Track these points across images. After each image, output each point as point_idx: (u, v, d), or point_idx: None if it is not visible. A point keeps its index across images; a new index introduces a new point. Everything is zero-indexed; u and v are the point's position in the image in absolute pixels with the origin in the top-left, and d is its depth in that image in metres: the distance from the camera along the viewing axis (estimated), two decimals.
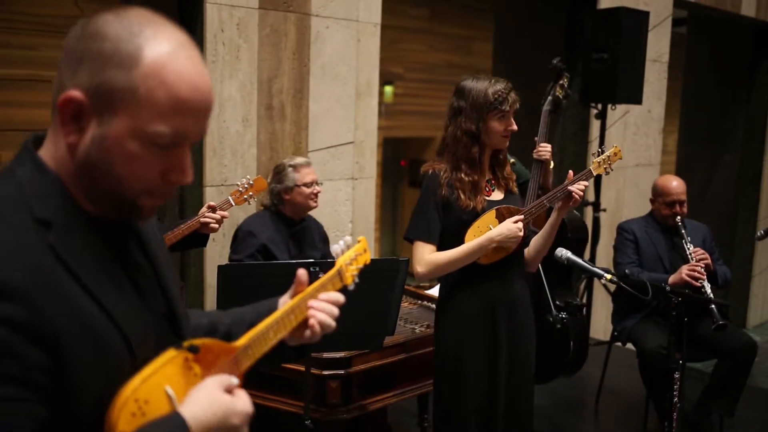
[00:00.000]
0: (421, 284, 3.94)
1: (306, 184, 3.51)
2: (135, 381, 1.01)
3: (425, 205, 2.63)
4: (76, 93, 1.00)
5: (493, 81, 2.60)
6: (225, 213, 2.98)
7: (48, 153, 1.06)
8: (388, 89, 8.67)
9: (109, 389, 0.99)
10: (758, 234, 3.87)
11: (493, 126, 2.59)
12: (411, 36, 8.49)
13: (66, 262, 0.99)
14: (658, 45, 6.14)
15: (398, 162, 10.02)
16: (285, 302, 1.33)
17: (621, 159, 2.95)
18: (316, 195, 3.55)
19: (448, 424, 2.65)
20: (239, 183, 3.14)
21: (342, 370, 2.87)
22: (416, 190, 10.15)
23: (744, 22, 7.37)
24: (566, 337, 3.80)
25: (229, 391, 1.10)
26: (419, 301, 3.75)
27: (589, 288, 5.35)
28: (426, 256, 2.59)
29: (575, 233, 4.00)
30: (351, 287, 1.43)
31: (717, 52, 7.92)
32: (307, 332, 1.32)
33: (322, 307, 1.32)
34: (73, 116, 1.01)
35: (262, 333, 1.23)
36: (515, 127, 2.62)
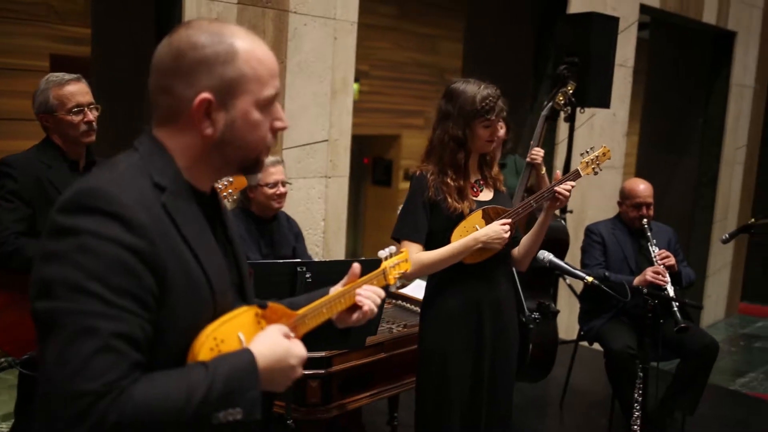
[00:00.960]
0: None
1: (268, 184, 3.50)
2: (216, 323, 1.24)
3: (413, 204, 2.66)
4: (205, 95, 1.25)
5: (482, 87, 2.62)
6: None
7: (166, 140, 1.30)
8: (354, 86, 8.66)
9: (195, 325, 1.22)
10: (724, 237, 3.97)
11: (478, 132, 2.62)
12: (379, 33, 8.49)
13: (174, 218, 1.22)
14: (624, 50, 6.25)
15: (361, 160, 10.01)
16: (335, 289, 1.61)
17: (610, 159, 2.98)
18: (279, 196, 3.54)
19: (432, 423, 2.68)
20: (219, 181, 3.11)
21: (322, 369, 2.87)
22: (379, 188, 10.17)
23: (705, 29, 7.55)
24: (526, 340, 3.83)
25: (287, 337, 1.31)
26: (394, 300, 3.77)
27: (554, 288, 5.43)
28: (413, 255, 2.61)
29: (553, 243, 4.03)
30: (392, 288, 1.81)
31: (678, 57, 8.10)
32: (355, 315, 1.62)
33: (369, 294, 1.62)
34: (206, 113, 1.26)
35: (317, 307, 1.50)
36: (501, 133, 2.65)
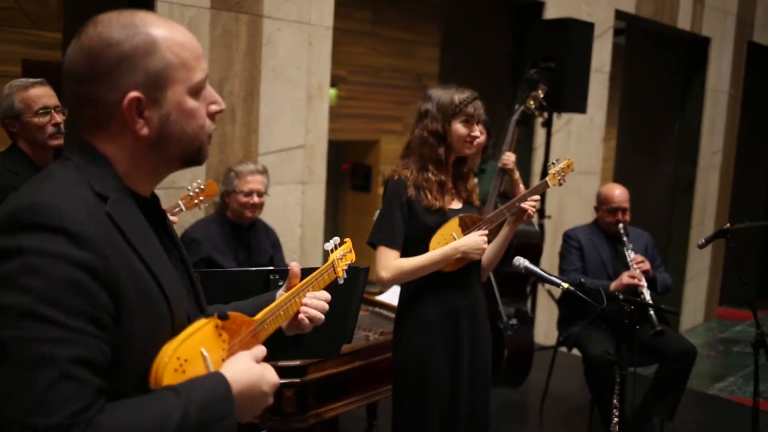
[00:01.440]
0: (371, 290, 3.93)
1: (243, 192, 3.48)
2: (176, 341, 1.15)
3: (390, 210, 2.63)
4: (133, 93, 1.16)
5: (460, 89, 2.67)
6: (174, 219, 2.89)
7: (98, 146, 1.21)
8: (332, 92, 8.63)
9: (154, 343, 1.13)
10: (700, 242, 3.98)
11: (457, 128, 2.62)
12: (355, 39, 8.47)
13: (121, 228, 1.13)
14: (601, 55, 6.27)
15: (340, 165, 9.97)
16: (281, 295, 1.52)
17: (573, 171, 3.00)
18: (252, 206, 3.50)
19: (410, 428, 2.65)
20: (190, 187, 3.05)
21: (297, 378, 2.83)
22: (358, 194, 10.14)
23: (680, 35, 7.61)
24: (501, 346, 3.82)
25: (257, 362, 1.25)
26: (371, 308, 3.73)
27: (533, 294, 5.43)
28: (391, 261, 2.59)
29: (522, 247, 4.02)
30: (341, 281, 1.65)
31: (654, 63, 8.15)
32: (300, 324, 1.52)
33: (313, 303, 1.53)
34: (137, 113, 1.17)
35: (275, 310, 1.43)
36: (478, 133, 2.64)
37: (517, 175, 3.91)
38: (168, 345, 1.14)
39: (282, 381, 2.80)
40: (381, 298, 3.78)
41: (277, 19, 4.05)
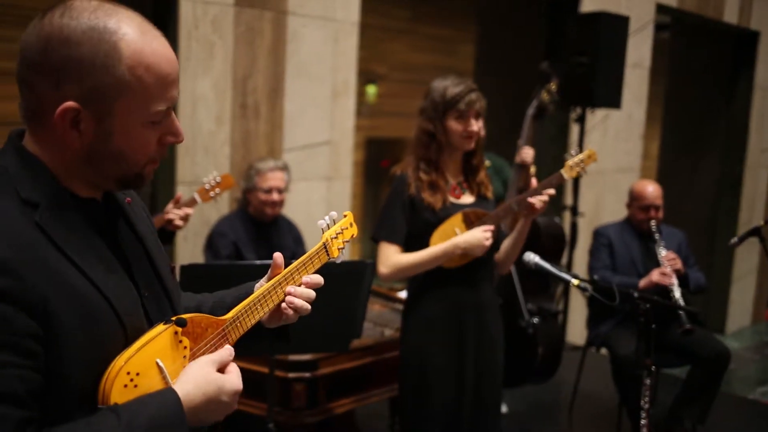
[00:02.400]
0: (393, 287, 3.92)
1: (263, 190, 3.48)
2: (126, 353, 1.05)
3: (391, 206, 2.62)
4: (70, 104, 1.04)
5: (456, 81, 2.59)
6: (189, 210, 2.91)
7: (32, 145, 1.10)
8: (371, 89, 8.63)
9: (101, 360, 1.04)
10: (733, 241, 3.86)
11: (451, 125, 2.57)
12: (394, 36, 8.46)
13: (53, 238, 1.03)
14: (640, 50, 6.14)
15: (379, 163, 9.98)
16: (261, 285, 1.36)
17: (596, 161, 2.90)
18: (273, 203, 3.50)
19: (413, 428, 2.63)
20: (205, 180, 3.08)
21: (308, 372, 2.84)
22: None
23: (726, 29, 7.39)
24: (535, 343, 3.77)
25: (222, 368, 1.16)
26: (390, 304, 3.72)
27: (567, 293, 5.34)
28: (390, 257, 2.57)
29: (549, 241, 3.97)
30: (338, 261, 1.46)
31: (699, 58, 7.94)
32: (284, 316, 1.36)
33: (298, 292, 1.35)
34: (72, 124, 1.05)
35: (249, 306, 1.29)
36: (475, 128, 2.59)
37: (532, 170, 3.84)
38: (118, 358, 1.05)
39: (291, 375, 2.82)
40: (401, 294, 3.76)
41: (301, 16, 4.06)
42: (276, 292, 1.34)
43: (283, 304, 1.34)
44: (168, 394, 1.06)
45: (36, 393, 0.99)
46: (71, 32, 1.04)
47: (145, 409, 1.03)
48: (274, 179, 3.51)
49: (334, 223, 1.46)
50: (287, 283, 1.35)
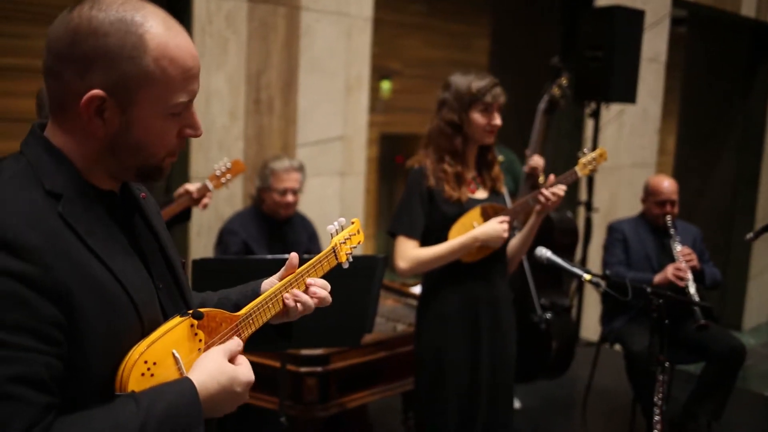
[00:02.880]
0: (406, 282, 3.92)
1: (277, 191, 3.47)
2: (144, 343, 1.09)
3: (409, 199, 2.62)
4: (97, 92, 1.07)
5: (479, 76, 2.61)
6: (206, 200, 2.93)
7: (55, 137, 1.13)
8: (386, 85, 8.63)
9: (119, 349, 1.07)
10: (749, 236, 3.82)
11: (475, 118, 2.58)
12: (409, 31, 8.45)
13: (75, 229, 1.05)
14: (656, 44, 6.09)
15: (394, 158, 9.98)
16: (271, 282, 1.40)
17: (606, 160, 2.91)
18: (287, 205, 3.49)
19: (428, 421, 2.63)
20: (216, 166, 3.07)
21: (320, 367, 2.85)
22: None
23: (744, 23, 7.32)
24: (549, 338, 3.77)
25: (232, 359, 1.19)
26: (403, 299, 3.72)
27: (581, 289, 5.32)
28: (409, 251, 2.58)
29: (562, 236, 3.96)
30: (345, 266, 1.50)
31: (716, 52, 7.86)
32: (288, 312, 1.38)
33: (314, 291, 1.39)
34: (97, 112, 1.08)
35: (263, 303, 1.33)
36: (499, 122, 2.60)
37: (541, 180, 3.82)
38: (135, 348, 1.08)
39: (303, 369, 2.83)
40: (415, 290, 3.76)
41: (315, 11, 4.07)
42: (289, 291, 1.37)
43: (289, 301, 1.36)
44: (185, 383, 1.10)
45: (58, 380, 1.01)
46: (99, 24, 1.07)
47: (162, 397, 1.06)
48: (289, 180, 3.48)
49: (342, 229, 1.50)
50: (299, 283, 1.39)
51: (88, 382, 1.05)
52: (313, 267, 1.42)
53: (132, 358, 1.07)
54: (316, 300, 1.39)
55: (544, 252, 2.55)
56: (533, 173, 3.70)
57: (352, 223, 1.56)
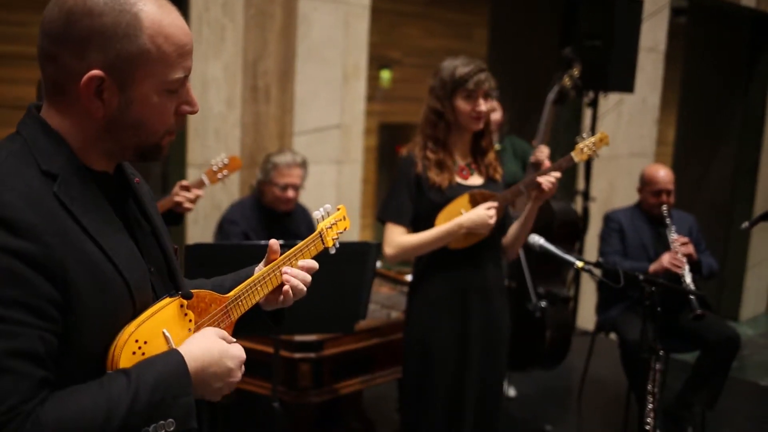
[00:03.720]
0: (401, 270, 3.93)
1: (279, 186, 3.46)
2: (135, 322, 1.11)
3: (398, 186, 2.62)
4: (96, 72, 1.08)
5: (465, 61, 2.58)
6: (200, 192, 2.93)
7: (51, 120, 1.14)
8: (386, 74, 8.61)
9: (111, 329, 1.09)
10: (744, 225, 3.82)
11: (459, 105, 2.57)
12: (409, 20, 8.43)
13: (70, 209, 1.07)
14: (655, 34, 6.08)
15: (394, 148, 9.97)
16: (260, 269, 1.42)
17: (608, 145, 2.88)
18: (287, 200, 3.49)
19: (415, 409, 2.64)
20: (213, 161, 3.09)
21: (313, 353, 2.86)
22: None
23: (744, 13, 7.29)
24: (543, 327, 3.77)
25: (224, 339, 1.22)
26: (398, 287, 3.73)
27: (577, 278, 5.33)
28: (395, 237, 2.58)
29: (562, 227, 3.96)
30: (332, 251, 1.53)
31: (716, 42, 7.84)
32: (280, 297, 1.41)
33: (296, 273, 1.41)
34: (96, 92, 1.10)
35: (251, 286, 1.35)
36: (483, 108, 2.59)
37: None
38: (127, 327, 1.11)
39: (297, 355, 2.84)
40: (410, 277, 3.77)
41: None
42: (275, 275, 1.39)
43: (285, 287, 1.40)
44: (173, 353, 1.13)
45: (53, 356, 1.03)
46: (94, 4, 1.08)
47: (151, 367, 1.08)
48: (291, 176, 3.46)
49: (329, 215, 1.53)
50: (280, 271, 1.40)
51: (81, 360, 1.08)
52: (300, 251, 1.45)
53: (123, 337, 1.09)
54: (299, 282, 1.41)
55: (537, 239, 2.56)
56: (538, 164, 3.71)
57: (338, 209, 1.59)
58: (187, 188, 2.96)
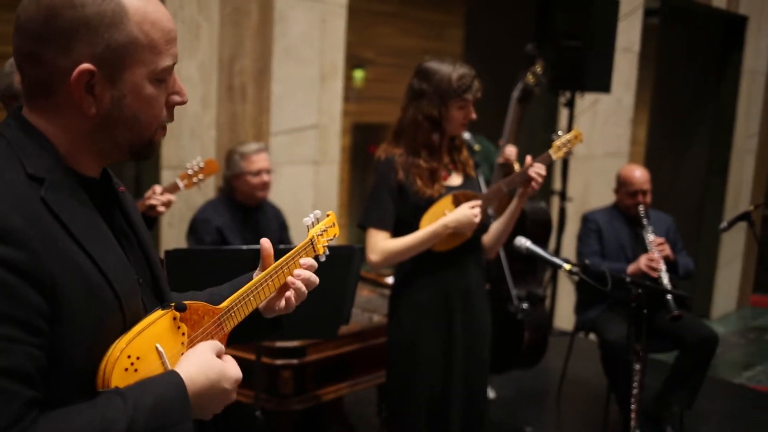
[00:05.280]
0: (381, 272, 3.88)
1: (252, 173, 3.41)
2: (126, 337, 1.04)
3: (379, 191, 2.56)
4: (86, 66, 1.02)
5: (457, 66, 2.53)
6: (172, 196, 2.85)
7: (36, 121, 1.08)
8: (359, 74, 8.56)
9: (101, 342, 1.02)
10: (722, 225, 3.85)
11: (453, 114, 2.52)
12: (383, 20, 8.38)
13: (58, 215, 1.00)
14: (630, 34, 6.11)
15: (367, 148, 9.91)
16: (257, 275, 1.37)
17: (582, 142, 2.88)
18: (263, 185, 3.45)
19: (401, 414, 2.60)
20: (189, 165, 3.01)
21: (295, 359, 2.80)
22: None
23: (715, 14, 7.37)
24: (521, 328, 3.75)
25: (219, 356, 1.15)
26: (378, 290, 3.69)
27: (554, 278, 5.33)
28: (380, 243, 2.53)
29: (534, 227, 3.94)
30: (322, 258, 1.48)
31: (688, 43, 7.91)
32: (282, 303, 1.37)
33: (300, 273, 1.37)
34: (87, 89, 1.04)
35: (243, 297, 1.29)
36: (474, 116, 2.56)
37: (516, 168, 3.80)
38: (117, 342, 1.04)
39: (279, 362, 2.78)
40: (390, 280, 3.73)
41: None
42: (268, 284, 1.34)
43: (288, 292, 1.36)
44: (172, 376, 1.06)
45: (42, 373, 0.97)
46: None
47: (149, 390, 1.02)
48: (260, 161, 3.45)
49: (318, 221, 1.49)
50: (278, 275, 1.35)
51: (70, 377, 1.01)
52: (293, 258, 1.39)
53: (114, 353, 1.03)
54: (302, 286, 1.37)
55: (523, 242, 2.53)
56: (507, 163, 3.67)
57: (328, 215, 1.54)
58: (160, 192, 2.88)
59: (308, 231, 1.46)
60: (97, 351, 1.03)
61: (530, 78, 3.86)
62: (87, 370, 1.02)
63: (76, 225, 1.03)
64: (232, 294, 1.31)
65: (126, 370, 1.03)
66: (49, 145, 1.07)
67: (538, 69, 3.90)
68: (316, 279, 1.40)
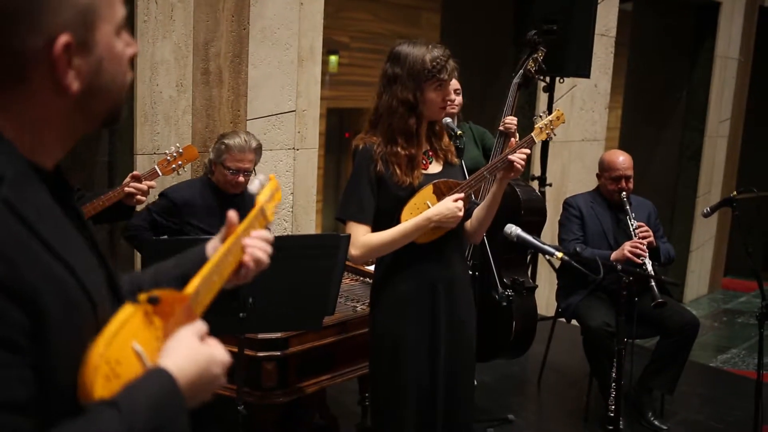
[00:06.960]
0: None
1: (230, 170, 3.28)
2: (101, 342, 0.92)
3: (358, 182, 2.45)
4: (65, 37, 0.92)
5: (430, 47, 2.42)
6: (152, 183, 2.75)
7: None
8: (333, 59, 8.45)
9: (81, 354, 0.91)
10: (705, 211, 3.84)
11: (430, 96, 2.41)
12: (357, 4, 8.27)
13: (24, 217, 0.89)
14: (606, 19, 6.08)
15: (343, 133, 9.82)
16: (215, 247, 1.29)
17: (564, 123, 2.84)
18: (236, 184, 3.32)
19: (386, 408, 2.53)
20: (167, 152, 2.90)
21: (278, 351, 2.72)
22: None
23: (688, 0, 7.39)
24: (510, 318, 3.71)
25: (202, 339, 1.05)
26: (360, 278, 3.62)
27: (534, 264, 5.30)
28: (360, 237, 2.42)
29: (529, 215, 3.89)
30: (270, 225, 1.41)
31: (662, 28, 7.93)
32: (242, 271, 1.27)
33: (255, 243, 1.28)
34: (68, 61, 0.94)
35: (207, 278, 1.16)
36: (453, 96, 2.48)
37: (517, 138, 3.76)
38: (93, 349, 0.92)
39: (261, 354, 2.70)
40: (372, 268, 3.66)
41: None
42: (228, 259, 1.24)
43: (246, 257, 1.27)
44: (160, 372, 0.97)
45: (33, 397, 0.87)
46: None
47: (140, 392, 0.93)
48: (243, 161, 3.28)
49: (263, 187, 1.43)
50: (236, 249, 1.26)
51: (56, 396, 0.91)
52: (247, 230, 1.30)
53: (92, 360, 0.91)
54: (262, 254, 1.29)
55: (514, 230, 2.47)
56: (507, 132, 3.67)
57: (270, 179, 1.47)
58: (138, 179, 2.78)
59: (256, 198, 1.38)
60: (77, 363, 0.92)
61: (531, 65, 3.85)
62: (70, 383, 0.92)
63: (43, 226, 0.92)
64: (184, 269, 1.25)
65: (107, 377, 0.92)
66: (6, 141, 0.95)
67: (540, 56, 3.88)
68: (269, 248, 1.30)
